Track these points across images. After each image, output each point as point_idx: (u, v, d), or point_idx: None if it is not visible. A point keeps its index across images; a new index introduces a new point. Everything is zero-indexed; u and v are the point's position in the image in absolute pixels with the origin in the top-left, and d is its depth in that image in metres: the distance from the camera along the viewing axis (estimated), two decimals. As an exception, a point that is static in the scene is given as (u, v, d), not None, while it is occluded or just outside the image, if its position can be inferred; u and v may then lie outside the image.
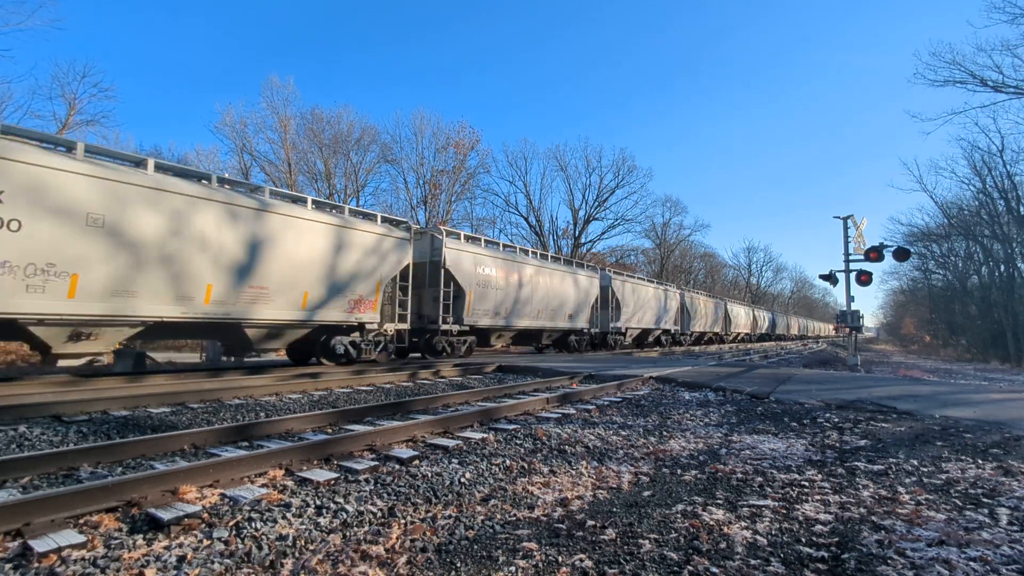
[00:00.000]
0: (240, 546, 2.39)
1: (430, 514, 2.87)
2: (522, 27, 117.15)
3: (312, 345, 11.44)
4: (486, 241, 16.15)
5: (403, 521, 2.76)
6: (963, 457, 4.24)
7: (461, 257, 14.20)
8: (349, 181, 35.04)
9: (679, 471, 3.82)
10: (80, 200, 7.40)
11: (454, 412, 5.89)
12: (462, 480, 3.50)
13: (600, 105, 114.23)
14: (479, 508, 2.99)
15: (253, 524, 2.63)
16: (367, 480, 3.44)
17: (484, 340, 16.17)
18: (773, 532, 2.66)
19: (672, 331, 29.29)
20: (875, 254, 17.47)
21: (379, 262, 11.74)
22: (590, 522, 2.76)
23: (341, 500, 3.02)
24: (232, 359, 12.07)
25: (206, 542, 2.42)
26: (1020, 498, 3.20)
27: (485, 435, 4.78)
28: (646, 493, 3.30)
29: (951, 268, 51.01)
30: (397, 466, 3.79)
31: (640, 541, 2.52)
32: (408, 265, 12.65)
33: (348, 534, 2.58)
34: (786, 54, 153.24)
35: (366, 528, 2.67)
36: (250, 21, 78.27)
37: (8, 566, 2.16)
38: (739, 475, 3.69)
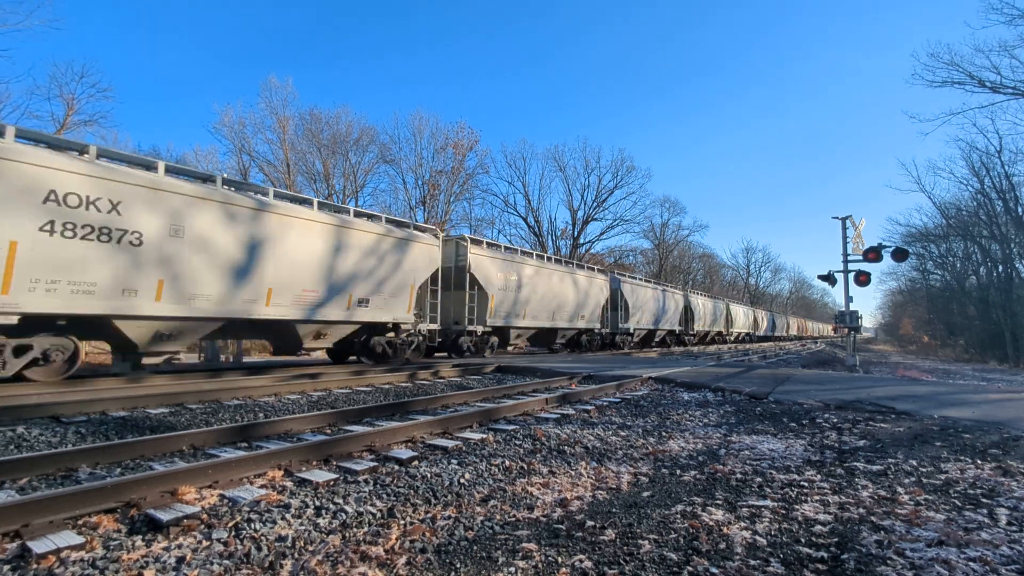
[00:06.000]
0: (239, 547, 2.38)
1: (429, 515, 2.87)
2: (524, 33, 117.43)
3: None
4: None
5: (402, 522, 2.76)
6: (962, 457, 4.24)
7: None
8: (348, 181, 35.04)
9: (678, 471, 3.82)
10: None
11: (453, 413, 5.89)
12: (461, 481, 3.49)
13: (600, 108, 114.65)
14: (478, 509, 2.99)
15: (252, 525, 2.63)
16: (366, 481, 3.44)
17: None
18: (772, 532, 2.66)
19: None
20: (873, 254, 17.49)
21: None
22: (589, 522, 2.75)
23: (340, 501, 3.02)
24: (223, 359, 12.22)
25: (205, 543, 2.42)
26: (1019, 498, 3.21)
27: (484, 436, 4.78)
28: (645, 494, 3.30)
29: (949, 269, 51.11)
30: (396, 467, 3.78)
31: (640, 542, 2.52)
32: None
33: (347, 535, 2.58)
34: (785, 58, 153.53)
35: (365, 529, 2.67)
36: (249, 22, 78.27)
37: (7, 567, 2.16)
38: (738, 475, 3.70)
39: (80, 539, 2.38)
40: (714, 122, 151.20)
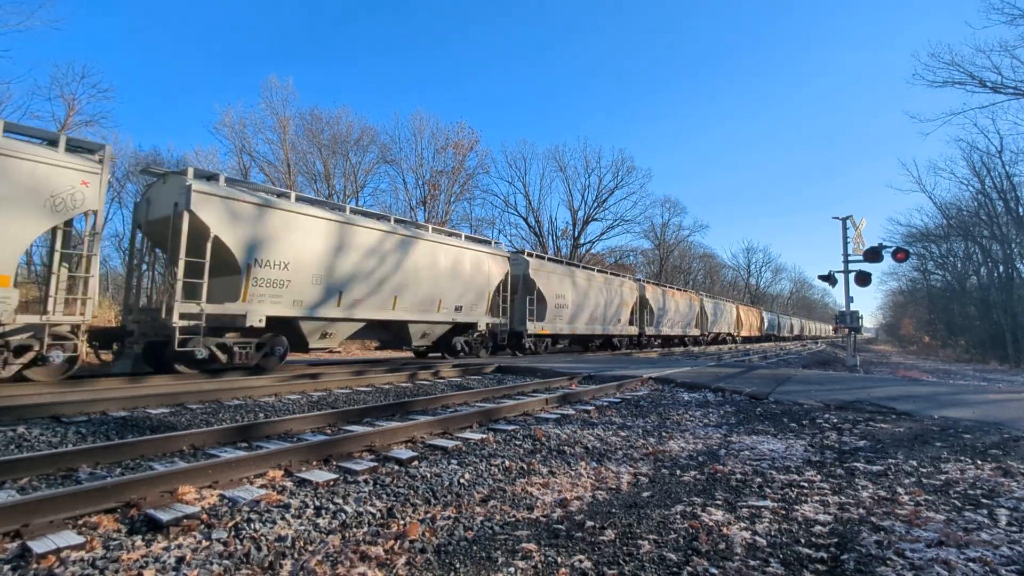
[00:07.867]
0: (239, 547, 2.39)
1: (429, 515, 2.87)
2: (523, 32, 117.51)
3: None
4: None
5: (402, 522, 2.76)
6: (962, 458, 4.24)
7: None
8: (348, 182, 35.02)
9: (678, 472, 3.82)
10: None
11: (453, 413, 5.89)
12: (461, 481, 3.49)
13: (600, 107, 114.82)
14: (478, 509, 2.99)
15: (252, 525, 2.63)
16: (366, 481, 3.44)
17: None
18: (772, 533, 2.66)
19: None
20: (874, 255, 17.48)
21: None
22: (589, 523, 2.75)
23: (340, 501, 3.02)
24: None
25: (205, 543, 2.42)
26: (1019, 499, 3.20)
27: (484, 436, 4.78)
28: (645, 494, 3.30)
29: (950, 269, 51.06)
30: (396, 467, 3.78)
31: (639, 542, 2.52)
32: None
33: (347, 535, 2.58)
34: (785, 56, 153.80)
35: (365, 529, 2.67)
36: (249, 22, 78.34)
37: (7, 567, 2.16)
38: (738, 476, 3.69)
39: (80, 539, 2.38)
40: (713, 122, 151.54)
